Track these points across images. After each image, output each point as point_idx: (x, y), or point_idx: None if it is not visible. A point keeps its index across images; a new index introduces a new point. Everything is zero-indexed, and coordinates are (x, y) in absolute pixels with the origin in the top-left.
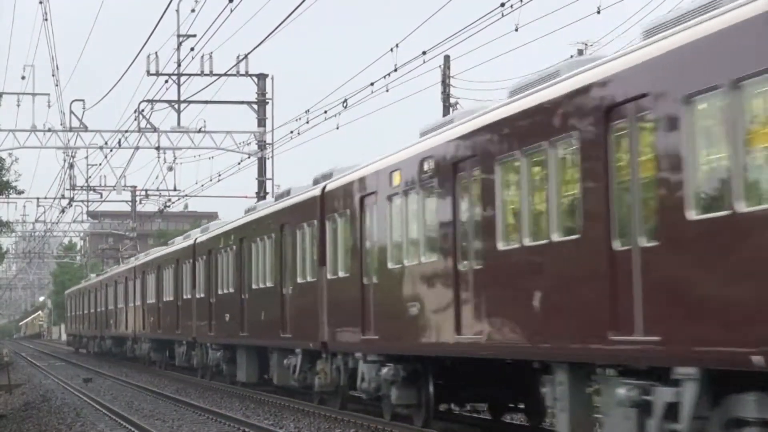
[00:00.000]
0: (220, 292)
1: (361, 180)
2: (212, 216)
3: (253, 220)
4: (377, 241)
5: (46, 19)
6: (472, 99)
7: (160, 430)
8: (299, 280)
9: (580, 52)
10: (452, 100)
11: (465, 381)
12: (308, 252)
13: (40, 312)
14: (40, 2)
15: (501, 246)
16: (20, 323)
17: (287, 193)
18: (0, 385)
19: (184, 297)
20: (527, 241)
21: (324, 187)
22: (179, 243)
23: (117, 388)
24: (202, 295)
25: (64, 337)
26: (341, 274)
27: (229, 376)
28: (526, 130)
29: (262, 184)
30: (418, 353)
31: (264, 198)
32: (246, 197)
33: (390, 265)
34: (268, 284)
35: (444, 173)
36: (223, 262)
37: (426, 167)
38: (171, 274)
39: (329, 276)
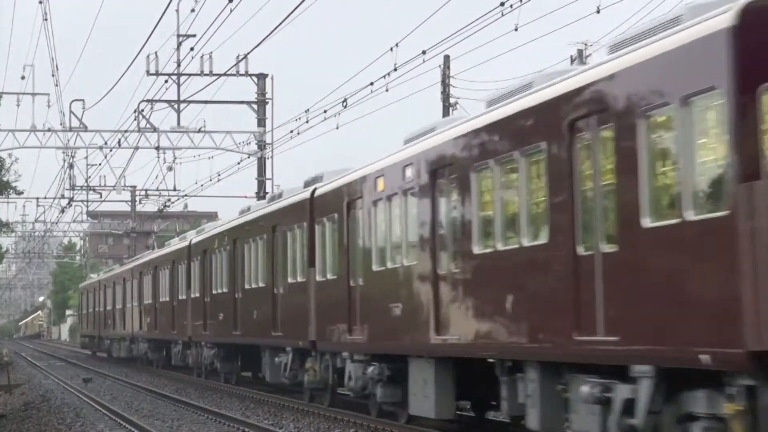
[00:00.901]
0: (375, 268)
1: None
2: (212, 216)
3: (420, 146)
4: None
5: (46, 19)
6: (472, 99)
7: (160, 430)
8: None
9: (580, 52)
10: (452, 100)
11: None
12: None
13: (39, 312)
14: (40, 2)
15: None
16: (20, 323)
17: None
18: (0, 385)
19: (291, 281)
20: None
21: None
22: (263, 206)
23: (117, 388)
24: (332, 277)
25: (63, 336)
26: None
27: (383, 404)
28: None
29: (261, 184)
30: None
31: (263, 198)
32: (246, 197)
33: None
34: (501, 246)
35: None
36: (385, 216)
37: None
38: (260, 251)
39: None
